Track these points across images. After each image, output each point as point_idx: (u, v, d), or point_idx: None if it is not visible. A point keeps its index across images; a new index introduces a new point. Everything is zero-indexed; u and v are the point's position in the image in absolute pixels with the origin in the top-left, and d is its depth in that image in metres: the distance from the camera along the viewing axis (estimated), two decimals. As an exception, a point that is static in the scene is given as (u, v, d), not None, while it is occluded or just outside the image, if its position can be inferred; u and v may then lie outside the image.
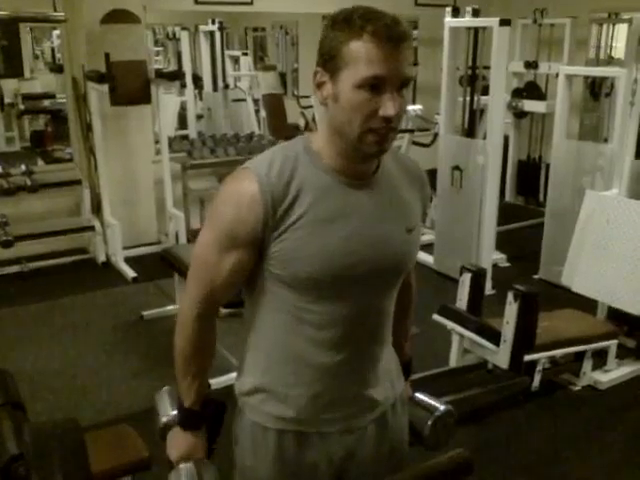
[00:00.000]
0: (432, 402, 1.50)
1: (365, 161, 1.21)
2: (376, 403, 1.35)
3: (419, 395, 1.52)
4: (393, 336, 1.44)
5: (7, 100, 8.45)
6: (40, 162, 7.42)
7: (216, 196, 1.22)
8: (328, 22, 1.15)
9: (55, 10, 4.83)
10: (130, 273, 4.76)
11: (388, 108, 1.11)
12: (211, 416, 1.36)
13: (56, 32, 8.32)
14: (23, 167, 4.95)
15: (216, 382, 3.06)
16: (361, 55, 1.09)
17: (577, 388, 3.29)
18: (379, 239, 1.23)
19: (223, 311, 3.56)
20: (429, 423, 1.44)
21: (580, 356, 3.26)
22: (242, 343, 1.35)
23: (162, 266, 3.83)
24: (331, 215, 1.18)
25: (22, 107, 8.52)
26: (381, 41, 1.09)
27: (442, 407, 1.47)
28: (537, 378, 3.12)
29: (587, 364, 3.27)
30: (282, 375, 1.28)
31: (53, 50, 9.62)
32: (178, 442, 1.34)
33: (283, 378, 1.28)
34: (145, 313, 4.05)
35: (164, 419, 1.38)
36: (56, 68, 8.60)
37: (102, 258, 5.04)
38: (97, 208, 5.14)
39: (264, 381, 1.29)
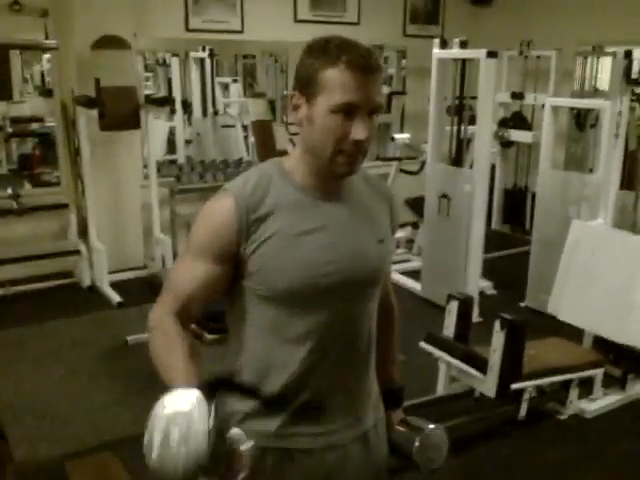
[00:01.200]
0: (420, 423, 1.47)
1: (335, 180, 1.28)
2: (358, 420, 1.36)
3: (409, 418, 1.50)
4: (380, 361, 1.45)
5: (-5, 123, 8.42)
6: (27, 185, 7.38)
7: (197, 216, 1.28)
8: (305, 49, 1.23)
9: (46, 35, 4.84)
10: (115, 298, 4.72)
11: (359, 132, 1.18)
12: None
13: (46, 56, 8.34)
14: (10, 190, 4.93)
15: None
16: (336, 82, 1.17)
17: (564, 417, 3.28)
18: (354, 249, 1.28)
19: (208, 337, 3.56)
20: (416, 443, 1.41)
21: (566, 385, 3.26)
22: (226, 362, 1.34)
23: (148, 291, 3.81)
24: (306, 228, 1.24)
25: (10, 130, 8.50)
26: (355, 70, 1.16)
27: (430, 426, 1.44)
28: (524, 407, 3.11)
29: (573, 393, 3.27)
30: (262, 391, 1.28)
31: (43, 74, 9.63)
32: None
33: (263, 394, 1.28)
34: (130, 338, 4.01)
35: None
36: (45, 92, 8.60)
37: (87, 282, 5.00)
38: (83, 232, 5.11)
39: (245, 399, 1.29)
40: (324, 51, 1.18)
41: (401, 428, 1.47)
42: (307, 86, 1.20)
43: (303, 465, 1.30)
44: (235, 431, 1.16)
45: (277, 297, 1.24)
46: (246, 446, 1.15)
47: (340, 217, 1.28)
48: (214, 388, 1.31)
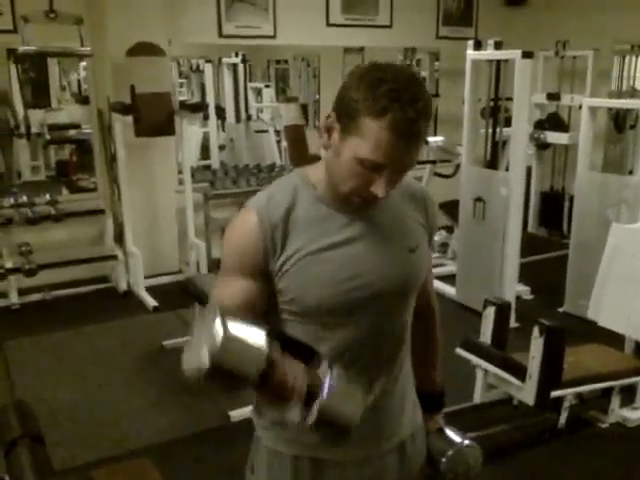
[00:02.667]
0: (455, 436, 1.44)
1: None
2: (394, 432, 1.34)
3: (446, 429, 1.47)
4: (420, 366, 1.43)
5: (34, 130, 8.57)
6: (64, 191, 7.51)
7: (224, 239, 1.26)
8: (355, 75, 1.13)
9: (82, 43, 4.92)
10: (151, 302, 4.77)
11: (379, 190, 1.15)
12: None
13: (83, 64, 8.49)
14: (48, 196, 5.01)
15: (238, 414, 3.05)
16: (373, 137, 1.09)
17: (605, 425, 3.20)
18: (381, 261, 1.24)
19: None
20: (447, 456, 1.38)
21: (608, 392, 3.18)
22: None
23: (183, 295, 3.83)
24: (332, 242, 1.21)
25: (48, 137, 8.64)
26: (396, 134, 1.09)
27: (465, 442, 1.41)
28: (564, 415, 3.04)
29: (615, 401, 3.18)
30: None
31: (79, 82, 9.80)
32: (293, 366, 1.09)
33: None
34: (166, 343, 4.04)
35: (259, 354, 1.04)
36: (82, 99, 8.74)
37: (123, 287, 5.05)
38: (119, 237, 5.17)
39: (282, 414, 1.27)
40: (372, 94, 1.09)
41: (436, 438, 1.44)
42: (345, 119, 1.13)
43: (338, 476, 1.29)
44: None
45: (308, 313, 1.22)
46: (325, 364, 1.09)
47: (367, 228, 1.24)
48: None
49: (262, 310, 1.24)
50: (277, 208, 1.20)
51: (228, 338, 0.98)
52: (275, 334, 1.07)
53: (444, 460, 1.38)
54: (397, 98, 1.08)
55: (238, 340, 0.99)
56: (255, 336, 1.02)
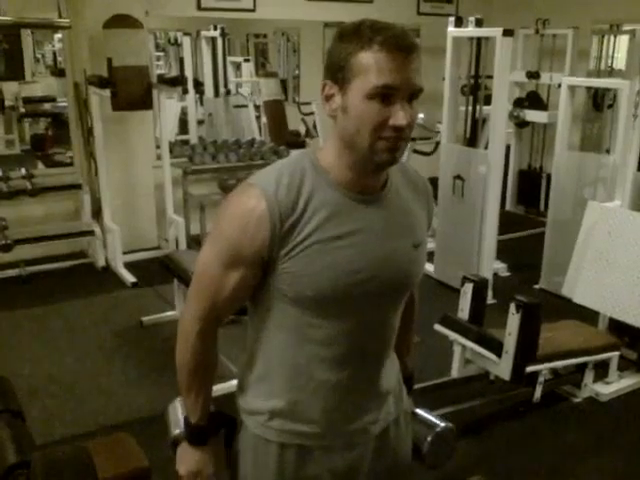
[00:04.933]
0: (432, 419, 1.47)
1: (376, 172, 1.20)
2: (379, 419, 1.34)
3: (420, 411, 1.50)
4: (395, 348, 1.43)
5: (8, 103, 8.44)
6: (40, 166, 7.42)
7: (221, 212, 1.19)
8: (336, 35, 1.14)
9: (60, 15, 4.81)
10: (130, 278, 4.74)
11: (399, 118, 1.10)
12: (219, 429, 1.35)
13: (58, 36, 8.33)
14: (23, 171, 4.93)
15: (215, 389, 3.06)
16: (371, 65, 1.08)
17: (578, 400, 3.28)
18: (386, 256, 1.22)
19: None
20: (428, 440, 1.42)
21: (582, 368, 3.25)
22: (246, 358, 1.33)
23: (162, 271, 3.82)
24: (339, 232, 1.17)
25: (23, 110, 8.52)
26: (391, 51, 1.08)
27: (442, 424, 1.45)
28: (539, 389, 3.10)
29: (588, 376, 3.25)
30: (286, 391, 1.26)
31: (55, 54, 9.64)
32: (187, 457, 1.33)
33: (287, 394, 1.26)
34: (145, 319, 4.03)
35: (175, 432, 1.36)
36: (57, 72, 8.61)
37: (102, 263, 5.02)
38: (97, 212, 5.12)
39: (269, 399, 1.28)
40: (356, 34, 1.10)
41: (413, 423, 1.47)
42: (339, 73, 1.11)
43: (324, 462, 1.29)
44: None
45: (304, 301, 1.19)
46: None
47: (375, 221, 1.21)
48: (221, 423, 1.36)
49: (247, 296, 1.24)
50: (287, 194, 1.14)
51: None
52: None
53: (426, 444, 1.42)
54: (379, 26, 1.10)
55: None
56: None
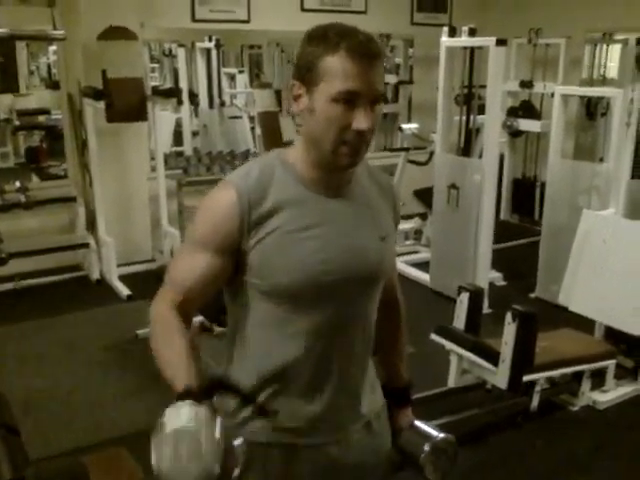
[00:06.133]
0: (430, 430, 1.45)
1: (338, 172, 1.25)
2: (361, 414, 1.35)
3: (418, 423, 1.48)
4: (387, 358, 1.46)
5: (2, 116, 8.44)
6: (35, 178, 7.41)
7: (197, 209, 1.26)
8: (305, 37, 1.20)
9: (54, 26, 4.81)
10: (124, 291, 4.72)
11: (361, 122, 1.15)
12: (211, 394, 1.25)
13: (53, 48, 8.33)
14: (17, 184, 4.91)
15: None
16: (337, 70, 1.14)
17: (576, 408, 3.27)
18: (354, 247, 1.26)
19: (217, 329, 3.55)
20: (426, 449, 1.40)
21: (578, 376, 3.25)
22: (225, 359, 1.33)
23: (157, 284, 3.80)
24: (307, 224, 1.22)
25: (17, 123, 8.51)
26: (356, 57, 1.14)
27: (441, 435, 1.43)
28: (536, 398, 3.10)
29: (585, 384, 3.25)
30: (267, 389, 1.27)
31: (49, 66, 9.63)
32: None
33: (268, 392, 1.27)
34: (140, 332, 4.00)
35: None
36: (52, 84, 8.60)
37: (96, 275, 5.00)
38: (91, 225, 5.10)
39: (249, 398, 1.28)
40: (323, 38, 1.15)
41: (410, 433, 1.45)
42: (307, 75, 1.17)
43: (307, 459, 1.30)
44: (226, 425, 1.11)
45: (277, 293, 1.22)
46: (238, 442, 1.17)
47: (341, 213, 1.26)
48: (213, 388, 1.29)
49: (221, 286, 1.26)
50: (256, 185, 1.21)
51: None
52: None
53: (423, 455, 1.39)
54: (345, 31, 1.16)
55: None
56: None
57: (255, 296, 1.24)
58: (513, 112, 6.44)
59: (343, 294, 1.25)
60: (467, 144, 4.95)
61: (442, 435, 1.42)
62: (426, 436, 1.43)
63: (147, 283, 4.70)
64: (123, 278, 4.91)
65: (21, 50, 9.04)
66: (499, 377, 3.00)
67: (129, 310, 4.50)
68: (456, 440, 1.44)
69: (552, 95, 4.79)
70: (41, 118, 8.86)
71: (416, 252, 5.54)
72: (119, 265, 4.98)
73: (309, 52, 1.17)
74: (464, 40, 4.55)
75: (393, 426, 1.46)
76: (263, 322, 1.26)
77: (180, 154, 6.24)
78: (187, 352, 1.18)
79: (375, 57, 1.16)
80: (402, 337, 1.52)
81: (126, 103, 4.64)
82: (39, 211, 4.95)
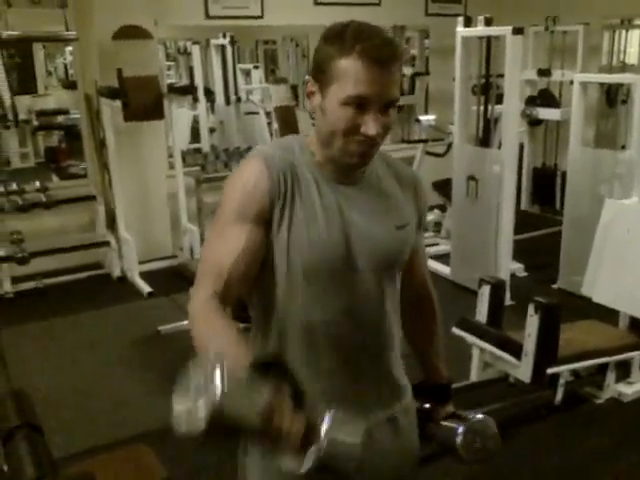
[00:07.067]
0: (467, 414, 1.42)
1: (349, 171, 1.26)
2: (386, 405, 1.35)
3: (459, 412, 1.45)
4: (423, 354, 1.46)
5: (21, 116, 8.49)
6: (55, 178, 7.48)
7: (225, 188, 1.25)
8: (323, 34, 1.19)
9: (67, 27, 4.84)
10: (146, 288, 4.75)
11: (370, 128, 1.15)
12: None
13: (69, 49, 8.39)
14: (38, 183, 4.97)
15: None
16: (349, 73, 1.13)
17: (601, 401, 3.22)
18: (368, 233, 1.26)
19: (241, 325, 3.56)
20: (459, 433, 1.37)
21: (603, 368, 3.20)
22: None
23: (178, 280, 3.82)
24: (322, 207, 1.22)
25: (36, 123, 8.59)
26: (369, 62, 1.12)
27: (477, 416, 1.40)
28: (560, 391, 3.06)
29: (610, 376, 3.20)
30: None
31: (66, 66, 9.72)
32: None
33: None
34: (161, 328, 4.03)
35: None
36: (69, 84, 8.67)
37: (117, 273, 5.04)
38: (112, 223, 5.14)
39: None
40: (339, 38, 1.14)
41: (446, 422, 1.43)
42: (321, 74, 1.17)
43: None
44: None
45: (295, 276, 1.22)
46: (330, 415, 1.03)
47: (357, 200, 1.26)
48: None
49: (259, 265, 1.21)
50: (282, 161, 1.21)
51: (227, 395, 0.92)
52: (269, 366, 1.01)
53: (457, 438, 1.37)
54: (361, 33, 1.14)
55: (236, 394, 0.94)
56: (254, 387, 0.96)
57: (275, 283, 1.23)
58: (532, 101, 6.36)
59: (361, 279, 1.25)
60: (486, 134, 4.89)
61: (477, 417, 1.40)
62: (461, 420, 1.41)
63: (168, 280, 4.77)
64: (144, 275, 4.94)
65: (38, 51, 9.12)
66: (522, 370, 2.97)
67: (151, 307, 4.52)
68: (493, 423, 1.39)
69: (571, 83, 4.72)
70: (60, 118, 8.94)
71: (436, 244, 5.50)
72: (140, 262, 5.01)
73: (324, 51, 1.16)
74: (480, 30, 4.50)
75: (434, 420, 1.44)
76: (284, 309, 1.24)
77: (198, 151, 6.24)
78: (237, 339, 1.10)
79: (389, 62, 1.14)
80: (438, 333, 1.50)
81: (142, 101, 4.66)
82: (59, 210, 5.00)
